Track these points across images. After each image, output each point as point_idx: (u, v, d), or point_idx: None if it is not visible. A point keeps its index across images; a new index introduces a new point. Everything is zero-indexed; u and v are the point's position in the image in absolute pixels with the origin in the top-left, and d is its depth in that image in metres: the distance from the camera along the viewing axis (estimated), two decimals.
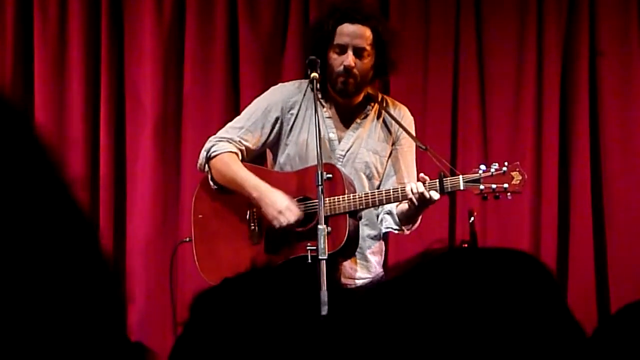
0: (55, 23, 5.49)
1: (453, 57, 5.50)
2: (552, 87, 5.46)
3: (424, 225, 5.32)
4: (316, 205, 4.11)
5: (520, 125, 5.47)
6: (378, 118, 4.29)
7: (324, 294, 3.90)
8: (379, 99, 4.30)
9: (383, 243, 4.34)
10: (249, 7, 5.48)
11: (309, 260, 4.01)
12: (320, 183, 3.94)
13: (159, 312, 5.26)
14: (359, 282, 4.23)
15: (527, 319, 1.17)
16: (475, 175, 4.06)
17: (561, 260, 5.43)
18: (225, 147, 4.26)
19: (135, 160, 5.49)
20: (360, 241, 4.19)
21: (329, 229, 3.97)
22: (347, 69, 4.11)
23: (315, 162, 4.09)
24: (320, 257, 3.89)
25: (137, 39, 5.51)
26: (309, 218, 4.16)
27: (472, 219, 4.80)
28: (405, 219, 4.15)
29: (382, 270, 4.34)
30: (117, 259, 5.43)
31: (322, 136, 4.08)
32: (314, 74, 4.10)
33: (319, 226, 3.90)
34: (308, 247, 4.02)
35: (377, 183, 4.25)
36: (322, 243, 3.89)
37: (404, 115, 4.31)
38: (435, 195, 3.97)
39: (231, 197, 4.27)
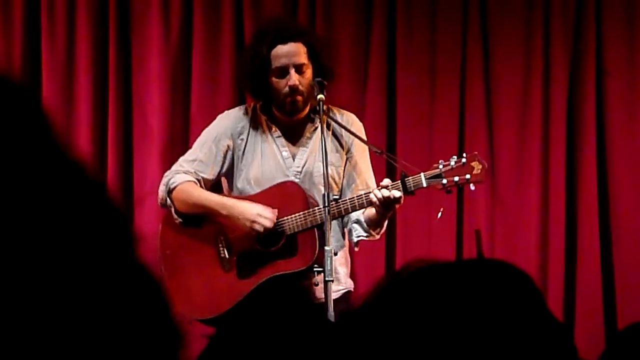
0: (63, 46, 5.51)
1: (459, 78, 5.51)
2: (558, 107, 5.46)
3: (431, 245, 5.34)
4: (283, 224, 4.14)
5: (527, 144, 5.46)
6: (328, 128, 4.31)
7: (331, 317, 3.92)
8: (326, 109, 4.31)
9: (347, 253, 4.35)
10: (256, 29, 5.49)
11: (317, 284, 4.02)
12: (327, 204, 3.96)
13: None
14: (334, 295, 4.22)
15: (510, 327, 1.17)
16: (436, 171, 4.06)
17: (569, 275, 5.42)
18: (183, 178, 4.30)
19: (142, 181, 5.50)
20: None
21: (331, 248, 3.98)
22: (294, 88, 4.15)
23: (273, 183, 4.20)
24: (327, 279, 3.90)
25: (145, 61, 5.52)
26: (277, 237, 4.17)
27: (440, 214, 4.80)
28: (373, 224, 4.17)
29: (351, 281, 4.36)
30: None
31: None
32: (320, 96, 4.12)
33: (326, 247, 3.92)
34: (315, 269, 4.03)
35: (336, 195, 4.27)
36: (329, 264, 3.91)
37: (353, 122, 4.35)
38: (398, 194, 3.97)
39: (197, 228, 4.29)
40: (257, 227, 4.14)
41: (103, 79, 5.53)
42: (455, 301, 1.17)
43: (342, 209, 4.10)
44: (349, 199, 4.12)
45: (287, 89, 4.16)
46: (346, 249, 4.35)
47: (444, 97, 5.50)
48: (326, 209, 3.97)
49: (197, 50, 5.52)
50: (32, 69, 5.53)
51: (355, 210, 4.13)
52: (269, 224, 4.13)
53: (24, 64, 5.52)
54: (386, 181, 4.04)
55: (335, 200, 4.09)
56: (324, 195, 3.99)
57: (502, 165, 5.42)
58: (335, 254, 4.01)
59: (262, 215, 4.14)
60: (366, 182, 4.24)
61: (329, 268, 3.90)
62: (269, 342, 1.33)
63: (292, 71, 4.17)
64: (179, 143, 5.50)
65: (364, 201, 4.07)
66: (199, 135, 5.42)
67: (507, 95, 5.49)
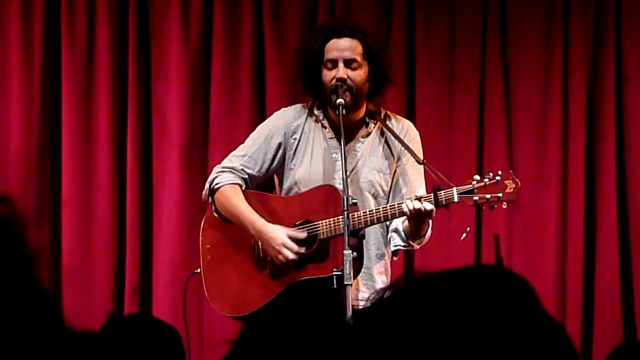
0: (83, 50, 5.53)
1: (479, 83, 5.50)
2: (578, 112, 5.45)
3: (450, 251, 5.34)
4: (317, 228, 4.13)
5: (546, 149, 5.45)
6: (382, 135, 4.29)
7: (350, 321, 3.90)
8: (382, 116, 4.29)
9: (389, 262, 4.32)
10: (275, 31, 5.51)
11: (335, 286, 4.01)
12: (345, 208, 3.95)
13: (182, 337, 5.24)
14: (368, 304, 4.19)
15: (506, 330, 1.18)
16: (469, 187, 4.04)
17: (587, 280, 5.40)
18: (227, 179, 4.29)
19: (161, 185, 5.51)
20: (367, 261, 4.18)
21: (355, 254, 3.98)
22: (341, 80, 4.13)
23: (318, 184, 4.18)
24: (345, 283, 3.90)
25: (164, 65, 5.54)
26: (311, 241, 4.17)
27: (464, 235, 4.80)
28: (411, 234, 4.13)
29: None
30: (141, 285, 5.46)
31: (346, 159, 4.09)
32: (340, 100, 4.11)
33: (345, 251, 3.92)
34: (334, 272, 4.02)
35: (383, 201, 4.24)
36: (348, 268, 3.90)
37: (408, 130, 4.30)
38: (429, 207, 3.95)
39: (236, 226, 4.30)
40: (280, 257, 4.15)
41: (122, 82, 5.55)
42: (450, 308, 1.17)
43: (375, 217, 4.07)
44: (382, 207, 4.09)
45: (334, 81, 4.14)
46: (387, 258, 4.31)
47: (463, 102, 5.50)
48: (345, 212, 3.96)
49: (217, 53, 5.53)
50: (53, 73, 5.55)
51: (388, 219, 4.11)
52: (291, 256, 4.13)
53: (44, 68, 5.54)
54: (421, 192, 4.02)
55: (354, 204, 4.08)
56: (345, 199, 3.97)
57: (520, 171, 5.40)
58: (353, 256, 3.98)
59: (287, 247, 4.13)
60: (414, 191, 4.10)
61: (347, 272, 3.90)
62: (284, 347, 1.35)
63: (341, 64, 4.14)
64: (198, 147, 5.51)
65: (396, 211, 4.04)
66: (218, 139, 5.46)
67: (526, 100, 5.49)
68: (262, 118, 5.30)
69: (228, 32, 5.54)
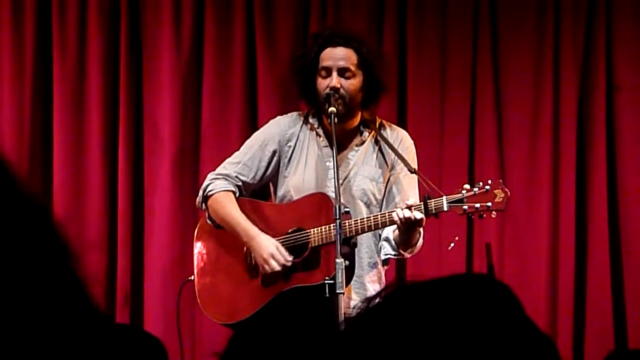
0: (74, 57, 5.53)
1: (470, 92, 5.51)
2: (569, 121, 5.45)
3: (441, 259, 5.34)
4: (308, 236, 4.14)
5: (537, 157, 5.46)
6: (376, 144, 4.30)
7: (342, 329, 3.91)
8: (377, 125, 4.31)
9: (382, 271, 4.34)
10: (267, 41, 5.51)
11: (327, 294, 4.02)
12: (338, 217, 3.96)
13: (175, 345, 5.24)
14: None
15: (490, 338, 1.18)
16: (459, 196, 4.06)
17: (579, 287, 5.41)
18: (221, 186, 4.30)
19: (153, 193, 5.51)
20: (359, 269, 4.19)
21: (347, 262, 3.98)
22: (333, 89, 4.14)
23: (311, 192, 4.19)
24: (338, 291, 3.91)
25: (156, 74, 5.54)
26: (302, 249, 4.18)
27: (452, 245, 4.81)
28: (402, 243, 4.15)
29: None
30: (132, 289, 5.45)
31: (338, 167, 4.10)
32: (332, 109, 4.12)
33: (337, 260, 3.92)
34: (326, 281, 4.03)
35: (375, 210, 4.26)
36: (340, 277, 3.91)
37: (402, 139, 4.32)
38: (419, 215, 3.96)
39: (229, 233, 4.31)
40: (266, 267, 4.17)
41: (114, 90, 5.54)
42: (434, 316, 1.18)
43: (365, 225, 4.08)
44: (373, 215, 4.11)
45: (328, 89, 4.16)
46: (381, 267, 4.33)
47: (455, 111, 5.51)
48: (337, 221, 3.97)
49: (209, 61, 5.54)
50: (44, 81, 5.55)
51: (378, 227, 4.12)
52: (277, 268, 4.15)
53: (35, 75, 5.53)
54: (412, 201, 4.03)
55: (347, 212, 4.09)
56: (337, 207, 3.98)
57: (512, 179, 5.41)
58: (348, 266, 4.00)
59: (275, 258, 4.16)
60: (407, 200, 4.10)
61: (339, 281, 3.91)
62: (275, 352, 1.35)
63: (335, 73, 4.17)
64: (189, 154, 5.51)
65: (387, 219, 4.06)
66: (210, 148, 5.46)
67: (518, 109, 5.50)
68: (253, 126, 5.31)
69: (220, 40, 5.54)
